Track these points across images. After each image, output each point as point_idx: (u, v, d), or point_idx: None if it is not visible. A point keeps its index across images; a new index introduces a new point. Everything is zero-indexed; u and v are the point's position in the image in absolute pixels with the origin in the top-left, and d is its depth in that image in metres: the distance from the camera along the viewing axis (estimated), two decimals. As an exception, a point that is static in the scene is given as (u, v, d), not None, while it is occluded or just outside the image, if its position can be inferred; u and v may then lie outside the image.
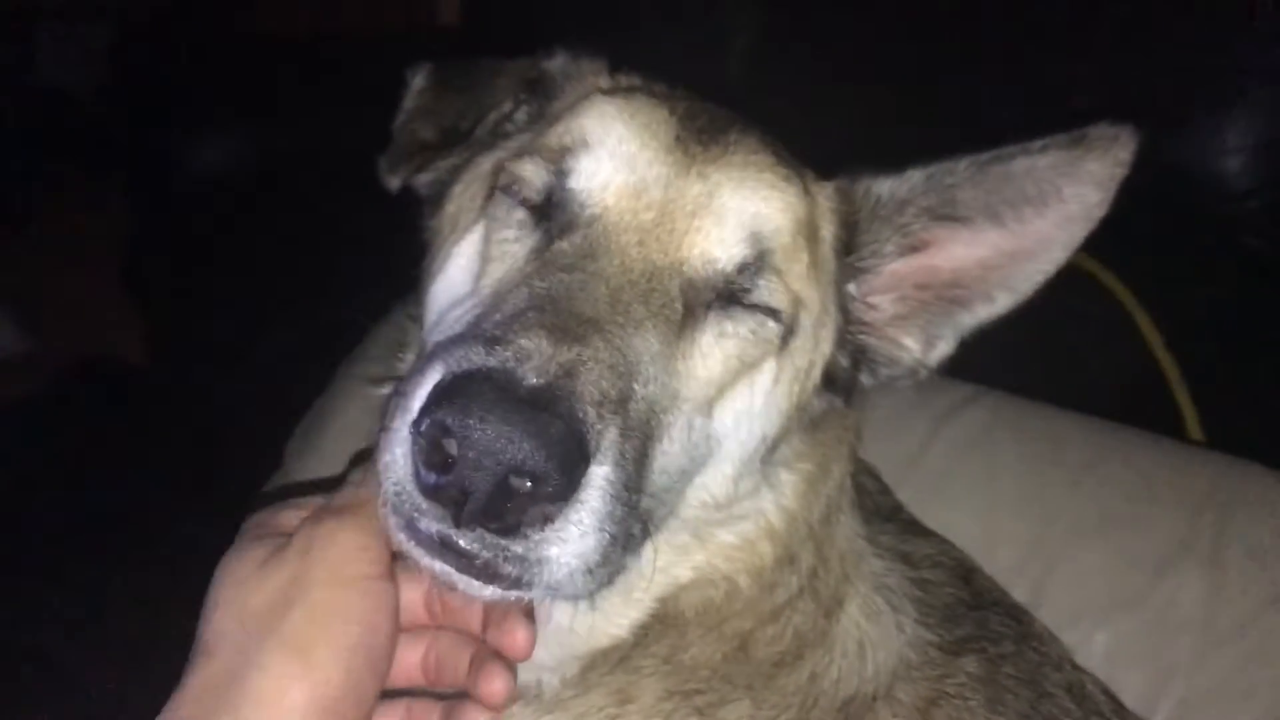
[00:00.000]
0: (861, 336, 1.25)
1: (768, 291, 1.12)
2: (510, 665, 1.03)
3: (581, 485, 0.88)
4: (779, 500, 1.20)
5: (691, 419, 1.07)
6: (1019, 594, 1.45)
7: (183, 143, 3.18)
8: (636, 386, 0.97)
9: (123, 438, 3.73)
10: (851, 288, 1.24)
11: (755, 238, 1.13)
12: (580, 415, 0.88)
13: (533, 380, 0.88)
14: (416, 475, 0.89)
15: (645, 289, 1.05)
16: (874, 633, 1.21)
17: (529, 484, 0.84)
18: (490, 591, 0.94)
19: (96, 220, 4.36)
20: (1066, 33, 2.77)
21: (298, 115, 3.21)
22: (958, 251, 1.19)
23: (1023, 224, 1.15)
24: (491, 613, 1.06)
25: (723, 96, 1.29)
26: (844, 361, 1.24)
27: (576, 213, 1.12)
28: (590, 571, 0.92)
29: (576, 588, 0.94)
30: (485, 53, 1.43)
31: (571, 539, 0.89)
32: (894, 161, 1.23)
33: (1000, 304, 1.19)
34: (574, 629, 1.15)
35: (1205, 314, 2.35)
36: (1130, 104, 2.63)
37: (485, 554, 0.89)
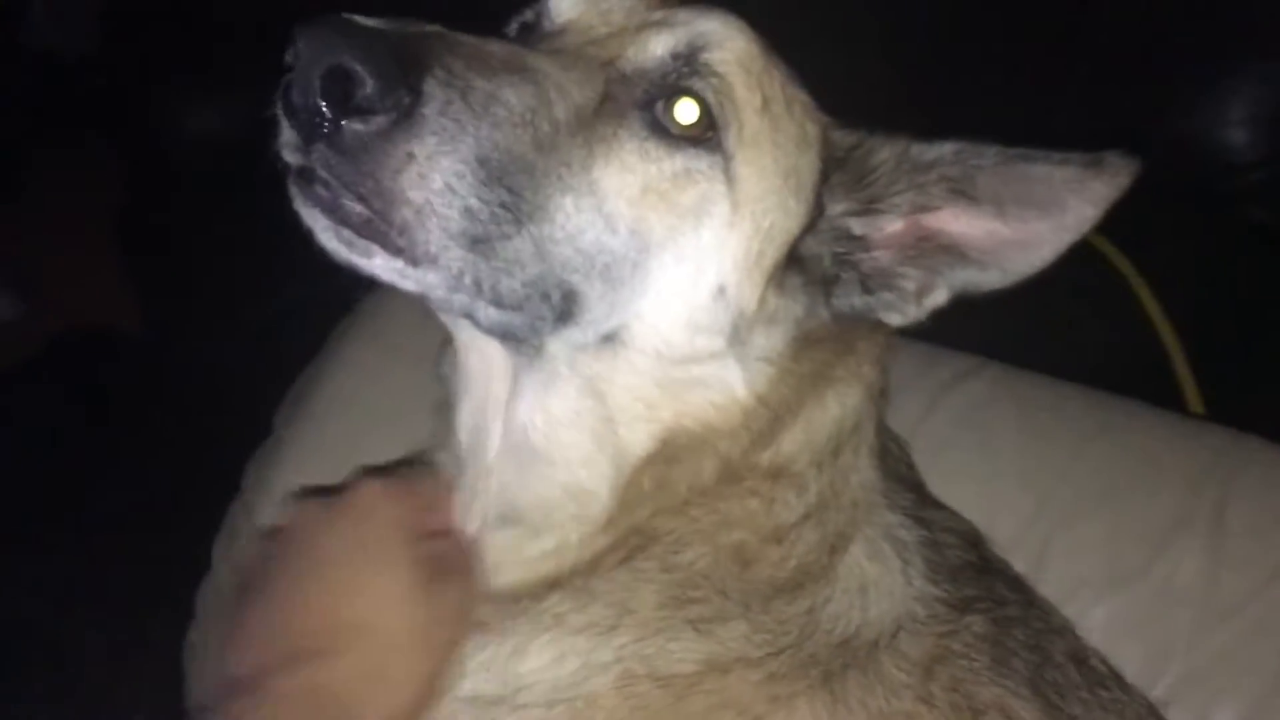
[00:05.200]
0: (859, 256, 1.23)
1: (709, 89, 1.12)
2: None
3: (410, 111, 0.91)
4: (750, 382, 1.17)
5: (603, 205, 1.06)
6: (1018, 565, 1.44)
7: (178, 106, 3.15)
8: (506, 92, 0.98)
9: (115, 405, 3.72)
10: (856, 223, 1.23)
11: (700, 37, 1.14)
12: (412, 46, 0.93)
13: (385, 26, 0.93)
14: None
15: (569, 60, 1.09)
16: (878, 578, 1.20)
17: (350, 84, 0.89)
18: (378, 263, 0.98)
19: (90, 186, 4.32)
20: (1069, 5, 2.75)
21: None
22: (960, 225, 1.21)
23: (1024, 223, 1.17)
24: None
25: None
26: (820, 253, 1.22)
27: (545, 28, 1.20)
28: (472, 245, 0.96)
29: (462, 265, 0.97)
30: (492, 11, 1.41)
31: (413, 176, 0.92)
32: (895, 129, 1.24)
33: (992, 276, 1.20)
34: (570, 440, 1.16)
35: (1208, 287, 2.34)
36: (1134, 76, 2.63)
37: (339, 185, 0.94)
